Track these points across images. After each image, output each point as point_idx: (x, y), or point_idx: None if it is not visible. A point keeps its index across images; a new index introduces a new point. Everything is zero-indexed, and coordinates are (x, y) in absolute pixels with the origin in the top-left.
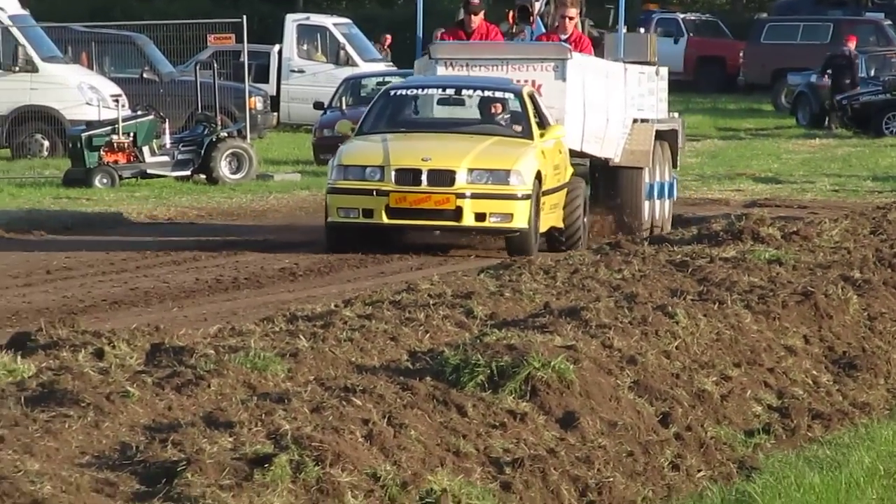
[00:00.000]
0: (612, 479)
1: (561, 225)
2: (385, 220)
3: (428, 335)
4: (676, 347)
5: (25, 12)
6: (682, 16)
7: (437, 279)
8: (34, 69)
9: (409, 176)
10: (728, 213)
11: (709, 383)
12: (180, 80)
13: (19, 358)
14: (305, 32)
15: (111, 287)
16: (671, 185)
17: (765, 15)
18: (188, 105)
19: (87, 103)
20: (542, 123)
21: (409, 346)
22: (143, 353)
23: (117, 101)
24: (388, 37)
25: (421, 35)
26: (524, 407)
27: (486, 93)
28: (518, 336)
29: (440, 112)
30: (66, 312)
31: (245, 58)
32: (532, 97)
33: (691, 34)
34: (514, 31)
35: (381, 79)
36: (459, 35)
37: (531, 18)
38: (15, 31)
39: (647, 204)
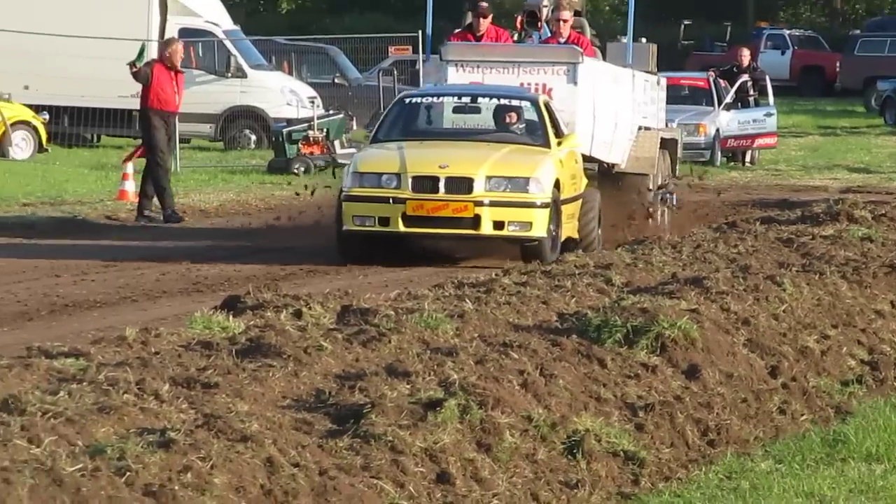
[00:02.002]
0: (728, 422)
1: (576, 235)
2: (402, 228)
3: (574, 299)
4: (783, 311)
5: (237, 27)
6: (788, 31)
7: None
8: (243, 75)
9: (426, 183)
10: (827, 198)
11: (810, 341)
12: (366, 85)
13: (231, 317)
14: None
15: (309, 257)
16: (672, 195)
17: (858, 31)
18: (372, 106)
19: (288, 104)
20: (558, 132)
21: (558, 308)
22: (335, 314)
23: (313, 102)
24: None
25: (430, 35)
26: (655, 360)
27: (502, 101)
28: (650, 301)
29: (455, 120)
30: (270, 279)
31: (420, 66)
32: (548, 106)
33: (796, 47)
34: (522, 36)
35: None
36: (468, 38)
37: (539, 24)
38: (228, 43)
39: (652, 210)
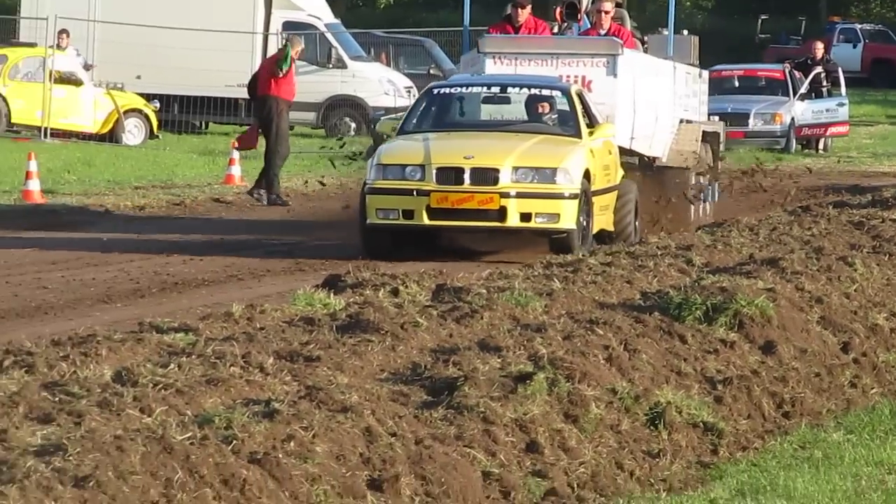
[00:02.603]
0: (802, 395)
1: (611, 228)
2: (426, 221)
3: (656, 279)
4: (854, 290)
5: (337, 21)
6: (859, 26)
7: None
8: (344, 66)
9: (450, 175)
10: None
11: (881, 318)
12: None
13: (332, 295)
14: None
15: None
16: (713, 188)
17: None
18: None
19: (385, 93)
20: (592, 122)
21: (641, 287)
22: (430, 292)
23: (409, 91)
24: None
25: (468, 27)
26: (733, 336)
27: (533, 91)
28: (728, 280)
29: (485, 111)
30: (369, 259)
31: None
32: (581, 95)
33: (867, 41)
34: (562, 28)
35: None
36: (507, 30)
37: (579, 15)
38: (329, 36)
39: (693, 206)
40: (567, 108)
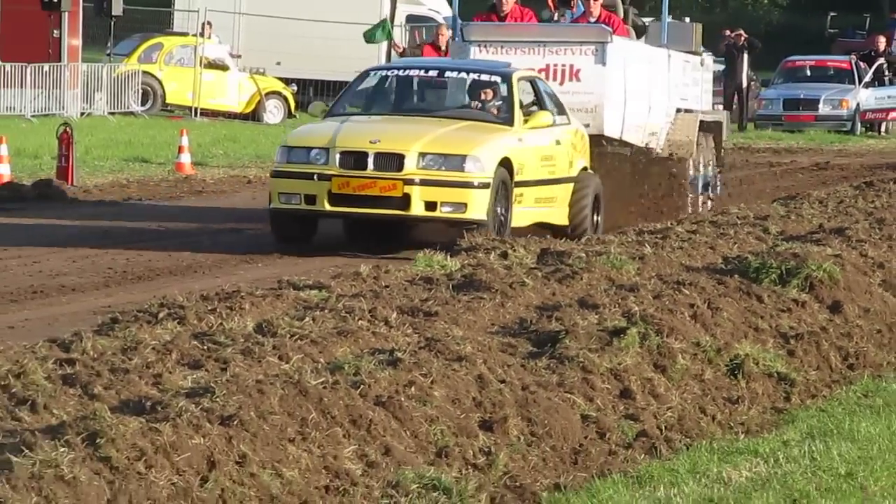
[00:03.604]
0: (865, 349)
1: (563, 222)
2: (327, 206)
3: (736, 245)
4: None
5: (455, 14)
6: None
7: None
8: None
9: (354, 159)
10: None
11: None
12: None
13: (449, 257)
14: None
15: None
16: (715, 179)
17: None
18: None
19: None
20: (533, 110)
21: (723, 252)
22: (535, 255)
23: None
24: None
25: (458, 16)
26: (804, 297)
27: (471, 76)
28: (800, 247)
29: (422, 95)
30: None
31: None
32: (534, 83)
33: None
34: (555, 16)
35: None
36: (492, 19)
37: (572, 2)
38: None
39: (689, 197)
40: (505, 94)
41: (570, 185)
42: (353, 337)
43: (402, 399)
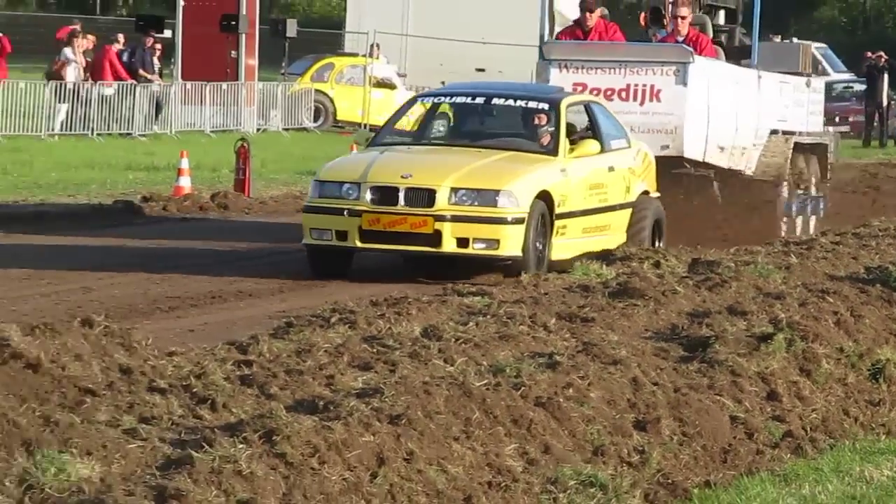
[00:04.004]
0: None
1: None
2: (358, 243)
3: (878, 255)
4: None
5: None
6: None
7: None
8: None
9: (385, 194)
10: None
11: None
12: None
13: (604, 266)
14: None
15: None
16: (818, 202)
17: None
18: None
19: None
20: (599, 139)
21: (865, 262)
22: (686, 264)
23: None
24: None
25: (546, 36)
26: None
27: (518, 102)
28: None
29: (468, 124)
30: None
31: None
32: (588, 108)
33: None
34: (648, 34)
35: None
36: (576, 34)
37: (665, 21)
38: None
39: (784, 219)
40: (553, 122)
41: (627, 211)
42: (515, 341)
43: (561, 400)
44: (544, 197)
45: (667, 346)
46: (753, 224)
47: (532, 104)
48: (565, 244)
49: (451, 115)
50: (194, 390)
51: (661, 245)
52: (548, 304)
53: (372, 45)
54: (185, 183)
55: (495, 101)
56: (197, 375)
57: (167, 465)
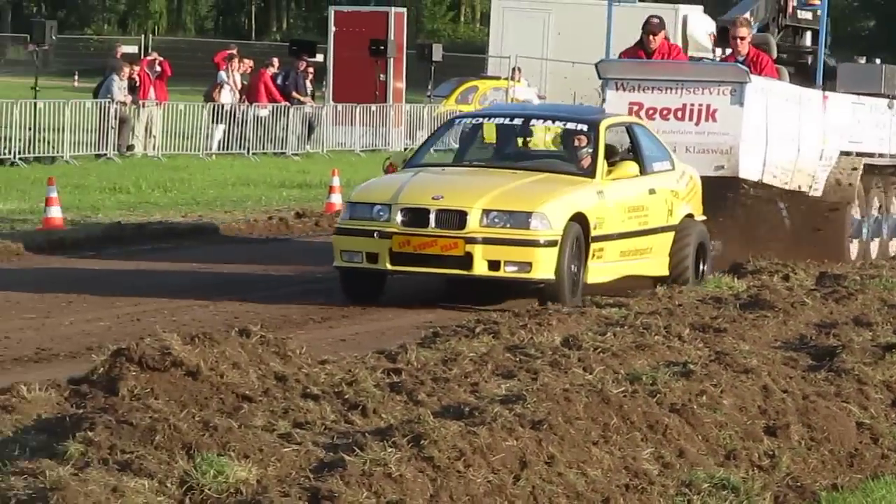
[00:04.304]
0: None
1: (662, 272)
2: (388, 266)
3: None
4: None
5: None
6: None
7: None
8: None
9: (415, 216)
10: None
11: None
12: None
13: (735, 279)
14: None
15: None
16: (890, 225)
17: None
18: None
19: None
20: (640, 161)
21: None
22: (814, 278)
23: None
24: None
25: (609, 57)
26: None
27: (557, 123)
28: None
29: (506, 145)
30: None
31: None
32: (630, 129)
33: None
34: (717, 54)
35: None
36: (639, 55)
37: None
38: None
39: (855, 241)
40: (591, 143)
41: (670, 234)
42: (650, 350)
43: (695, 406)
44: (579, 219)
45: (795, 356)
46: (818, 246)
47: (571, 125)
48: (602, 267)
49: (488, 136)
50: (346, 397)
51: (704, 268)
52: (682, 315)
53: (513, 69)
54: (337, 199)
55: (534, 122)
56: (349, 383)
57: (320, 468)
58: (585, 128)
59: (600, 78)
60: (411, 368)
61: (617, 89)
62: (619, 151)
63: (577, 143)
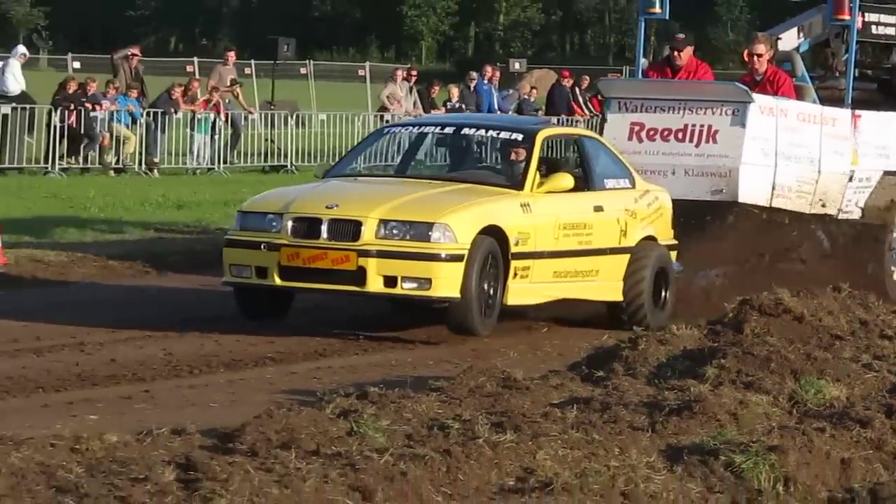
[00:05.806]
0: None
1: (615, 297)
2: (277, 280)
3: None
4: None
5: None
6: None
7: None
8: None
9: (307, 226)
10: None
11: None
12: None
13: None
14: None
15: None
16: None
17: None
18: None
19: None
20: (587, 175)
21: None
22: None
23: None
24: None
25: (641, 72)
26: None
27: (490, 133)
28: None
29: (433, 156)
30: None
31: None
32: (579, 142)
33: None
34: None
35: None
36: (665, 71)
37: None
38: None
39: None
40: (525, 154)
41: (624, 257)
42: None
43: None
44: (494, 233)
45: None
46: (852, 271)
47: (504, 135)
48: (528, 288)
49: (416, 146)
50: None
51: (666, 295)
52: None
53: None
54: None
55: (466, 131)
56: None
57: (894, 390)
58: (521, 137)
59: (602, 97)
60: None
61: (619, 109)
62: (565, 167)
63: (513, 155)
